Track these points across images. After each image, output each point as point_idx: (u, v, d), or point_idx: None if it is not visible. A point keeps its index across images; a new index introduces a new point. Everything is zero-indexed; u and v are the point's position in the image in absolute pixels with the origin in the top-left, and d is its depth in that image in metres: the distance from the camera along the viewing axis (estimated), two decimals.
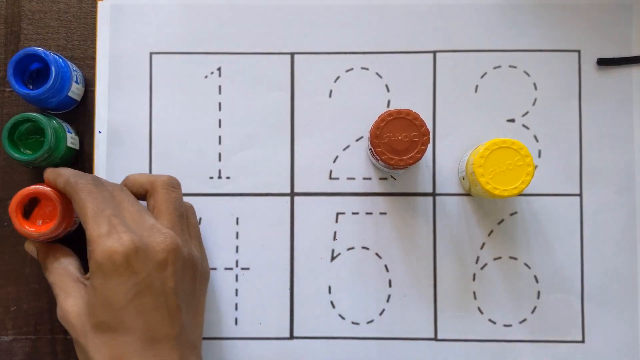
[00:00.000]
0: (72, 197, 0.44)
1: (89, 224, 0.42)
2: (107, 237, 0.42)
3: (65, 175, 0.45)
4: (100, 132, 0.53)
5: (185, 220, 0.48)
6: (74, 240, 0.52)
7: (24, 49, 0.48)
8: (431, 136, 0.52)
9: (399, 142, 0.46)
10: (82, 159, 0.53)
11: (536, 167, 0.52)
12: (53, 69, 0.48)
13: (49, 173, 0.47)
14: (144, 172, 0.53)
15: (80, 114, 0.53)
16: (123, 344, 0.42)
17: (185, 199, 0.52)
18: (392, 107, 0.53)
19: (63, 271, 0.47)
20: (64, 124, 0.51)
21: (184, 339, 0.43)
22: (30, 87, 0.50)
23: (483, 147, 0.47)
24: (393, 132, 0.46)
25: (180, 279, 0.44)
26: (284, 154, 0.53)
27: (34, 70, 0.51)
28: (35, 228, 0.47)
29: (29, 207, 0.48)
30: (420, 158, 0.46)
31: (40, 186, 0.47)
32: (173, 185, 0.47)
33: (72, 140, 0.51)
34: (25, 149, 0.49)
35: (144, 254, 0.42)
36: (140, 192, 0.48)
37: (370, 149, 0.48)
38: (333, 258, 0.52)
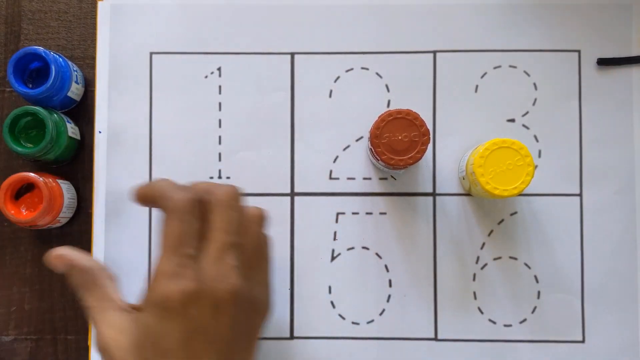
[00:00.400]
0: (162, 214, 0.41)
1: (162, 256, 0.40)
2: (170, 277, 0.39)
3: (162, 188, 0.42)
4: (100, 132, 0.53)
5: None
6: (66, 234, 0.52)
7: (24, 47, 0.48)
8: (431, 136, 0.52)
9: (399, 142, 0.46)
10: (82, 154, 0.53)
11: (536, 167, 0.52)
12: (53, 68, 0.48)
13: (147, 188, 0.43)
14: (144, 172, 0.52)
15: (81, 113, 0.53)
16: None
17: None
18: (392, 107, 0.53)
19: (104, 296, 0.43)
20: (64, 116, 0.51)
21: None
22: (30, 86, 0.50)
23: (483, 147, 0.47)
24: (393, 132, 0.46)
25: (236, 324, 0.41)
26: (284, 154, 0.53)
27: (34, 70, 0.51)
28: (15, 212, 0.48)
29: (24, 193, 0.49)
30: (420, 158, 0.46)
31: (36, 175, 0.48)
32: (236, 200, 0.43)
33: (72, 130, 0.51)
34: (26, 142, 0.49)
35: (203, 301, 0.40)
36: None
37: (370, 148, 0.48)
38: (333, 258, 0.52)
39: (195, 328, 0.40)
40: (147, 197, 0.43)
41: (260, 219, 0.44)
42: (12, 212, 0.48)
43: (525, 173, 0.46)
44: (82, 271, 0.44)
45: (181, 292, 0.39)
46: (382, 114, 0.47)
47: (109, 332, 0.42)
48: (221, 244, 0.41)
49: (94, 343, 0.42)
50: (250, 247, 0.43)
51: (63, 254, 0.44)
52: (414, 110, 0.46)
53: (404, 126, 0.46)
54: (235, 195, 0.42)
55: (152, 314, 0.40)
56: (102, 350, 0.42)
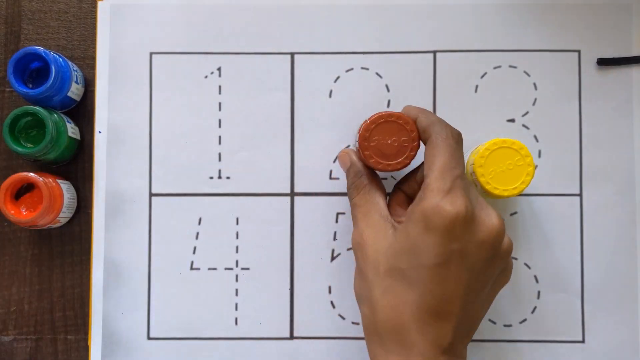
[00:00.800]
0: (430, 140, 0.44)
1: (434, 173, 0.42)
2: (445, 194, 0.41)
3: (434, 120, 0.44)
4: (100, 132, 0.53)
5: None
6: (66, 234, 0.52)
7: (24, 47, 0.48)
8: None
9: (388, 146, 0.45)
10: (82, 154, 0.53)
11: (536, 167, 0.52)
12: (53, 68, 0.48)
13: (412, 108, 0.46)
14: (144, 171, 0.53)
15: (81, 113, 0.53)
16: (407, 299, 0.41)
17: (186, 198, 0.53)
18: (393, 107, 0.53)
19: (372, 199, 0.46)
20: (64, 116, 0.51)
21: (463, 324, 0.42)
22: (30, 86, 0.50)
23: (483, 147, 0.47)
24: (383, 135, 0.45)
25: (489, 266, 0.42)
26: (284, 154, 0.53)
27: (34, 70, 0.51)
28: (15, 212, 0.48)
29: (24, 193, 0.49)
30: (408, 164, 0.46)
31: (36, 175, 0.47)
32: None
33: (72, 130, 0.51)
34: (26, 142, 0.49)
35: (471, 227, 0.41)
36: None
37: (358, 150, 0.47)
38: (333, 258, 0.52)
39: (455, 251, 0.41)
40: (413, 115, 0.46)
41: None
42: (12, 212, 0.48)
43: (526, 173, 0.46)
44: (358, 172, 0.47)
45: (455, 210, 0.40)
46: (373, 116, 0.46)
47: (368, 231, 0.44)
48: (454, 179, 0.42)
49: (353, 239, 0.45)
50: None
51: (349, 153, 0.48)
52: (405, 115, 0.46)
53: (394, 130, 0.45)
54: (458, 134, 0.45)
55: (417, 223, 0.41)
56: (357, 245, 0.45)
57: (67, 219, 0.52)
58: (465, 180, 0.42)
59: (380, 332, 0.42)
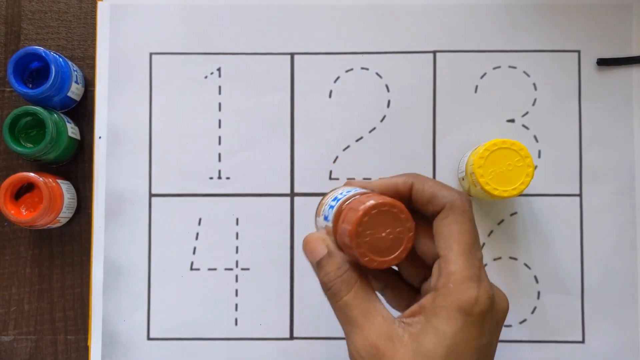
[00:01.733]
0: (445, 212, 0.37)
1: (460, 259, 0.36)
2: (476, 283, 0.35)
3: (436, 186, 0.38)
4: (100, 137, 0.53)
5: None
6: (66, 234, 0.52)
7: (24, 47, 0.48)
8: (431, 136, 0.52)
9: (381, 239, 0.37)
10: (82, 153, 0.53)
11: (536, 167, 0.52)
12: (53, 67, 0.48)
13: (400, 178, 0.39)
14: (144, 172, 0.53)
15: (80, 113, 0.53)
16: None
17: (186, 199, 0.53)
18: (393, 107, 0.53)
19: (369, 296, 0.37)
20: (64, 116, 0.51)
21: None
22: (30, 86, 0.50)
23: (483, 147, 0.47)
24: (376, 228, 0.36)
25: (496, 341, 0.38)
26: (284, 154, 0.53)
27: (34, 70, 0.51)
28: (15, 212, 0.48)
29: (24, 193, 0.49)
30: (403, 257, 0.37)
31: (36, 175, 0.47)
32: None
33: (72, 130, 0.51)
34: (26, 142, 0.49)
35: (492, 313, 0.36)
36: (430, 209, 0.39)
37: (349, 246, 0.37)
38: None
39: (485, 344, 0.36)
40: (421, 194, 0.39)
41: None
42: (12, 212, 0.48)
43: (525, 174, 0.46)
44: (343, 264, 0.38)
45: (489, 298, 0.35)
46: (365, 208, 0.36)
47: (381, 339, 0.36)
48: (471, 268, 0.37)
49: (358, 348, 0.36)
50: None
51: (324, 239, 0.39)
52: (399, 202, 0.37)
53: (388, 221, 0.36)
54: (470, 205, 0.38)
55: (452, 320, 0.35)
56: (369, 356, 0.36)
57: (67, 219, 0.52)
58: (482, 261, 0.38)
59: None
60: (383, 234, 0.37)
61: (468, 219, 0.37)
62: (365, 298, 0.37)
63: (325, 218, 0.40)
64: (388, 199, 0.37)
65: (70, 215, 0.52)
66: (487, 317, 0.36)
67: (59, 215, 0.50)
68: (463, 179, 0.50)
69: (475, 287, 0.35)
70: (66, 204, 0.50)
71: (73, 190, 0.52)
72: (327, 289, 0.38)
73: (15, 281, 0.52)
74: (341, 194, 0.39)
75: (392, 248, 0.37)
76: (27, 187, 0.49)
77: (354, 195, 0.38)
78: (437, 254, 0.37)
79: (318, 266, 0.39)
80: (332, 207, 0.39)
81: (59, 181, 0.50)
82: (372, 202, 0.36)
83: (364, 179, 0.52)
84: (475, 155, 0.47)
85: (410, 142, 0.53)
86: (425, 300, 0.36)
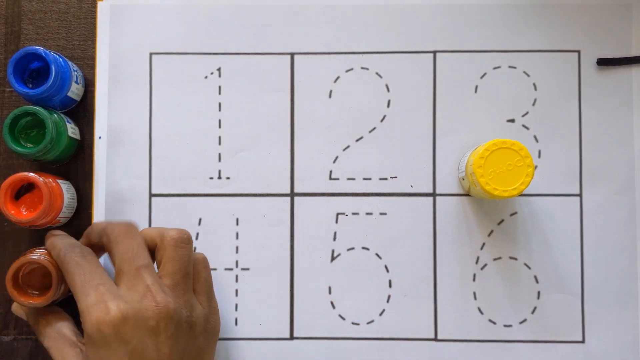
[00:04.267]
0: (63, 271, 0.44)
1: (78, 295, 0.42)
2: (94, 307, 0.41)
3: (57, 248, 0.45)
4: (100, 137, 0.53)
5: (192, 278, 0.46)
6: None
7: (25, 47, 0.48)
8: (431, 136, 0.52)
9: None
10: (82, 153, 0.53)
11: (536, 167, 0.52)
12: (53, 68, 0.48)
13: (47, 244, 0.47)
14: (144, 172, 0.53)
15: (80, 113, 0.53)
16: None
17: (186, 199, 0.53)
18: (393, 107, 0.53)
19: (58, 335, 0.45)
20: (64, 116, 0.51)
21: None
22: (30, 86, 0.50)
23: (483, 147, 0.47)
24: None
25: (176, 344, 0.42)
26: (284, 154, 0.53)
27: (34, 70, 0.51)
28: (15, 212, 0.48)
29: (24, 193, 0.49)
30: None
31: (35, 175, 0.48)
32: (182, 240, 0.46)
33: (72, 130, 0.51)
34: (26, 142, 0.49)
35: (134, 322, 0.41)
36: (151, 246, 0.46)
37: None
38: (333, 258, 0.52)
39: (132, 350, 0.41)
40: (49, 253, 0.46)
41: (187, 239, 0.46)
42: (13, 212, 0.48)
43: (525, 174, 0.46)
44: (34, 317, 0.47)
45: (107, 314, 0.40)
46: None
47: None
48: (129, 269, 0.43)
49: None
50: (171, 268, 0.45)
51: (16, 310, 0.48)
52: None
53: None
54: (130, 226, 0.45)
55: (90, 346, 0.41)
56: None
57: (67, 219, 0.52)
58: (107, 284, 0.43)
59: None
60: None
61: (74, 264, 0.44)
62: (57, 338, 0.46)
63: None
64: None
65: (70, 215, 0.52)
66: (120, 329, 0.41)
67: (59, 215, 0.50)
68: (463, 179, 0.50)
69: (93, 314, 0.41)
70: (66, 204, 0.50)
71: (73, 190, 0.52)
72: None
73: None
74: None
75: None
76: (27, 187, 0.49)
77: None
78: None
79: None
80: None
81: (59, 181, 0.50)
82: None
83: (364, 179, 0.52)
84: (475, 155, 0.47)
85: (410, 142, 0.53)
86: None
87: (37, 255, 0.47)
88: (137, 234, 0.45)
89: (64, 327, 0.46)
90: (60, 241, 0.46)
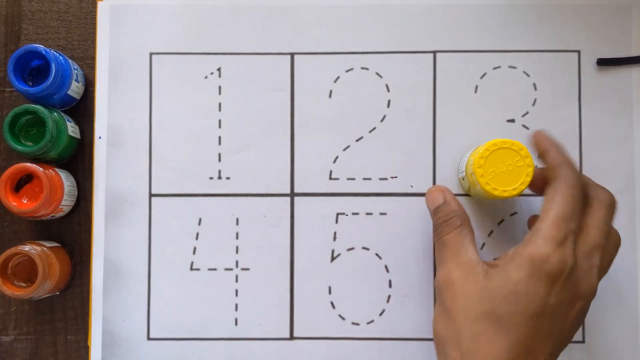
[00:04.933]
0: (555, 182, 0.43)
1: (550, 220, 0.41)
2: (556, 246, 0.40)
3: (563, 160, 0.44)
4: (100, 137, 0.53)
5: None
6: (66, 234, 0.52)
7: (25, 45, 0.49)
8: (431, 136, 0.52)
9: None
10: (82, 152, 0.53)
11: (536, 167, 0.52)
12: (53, 65, 0.48)
13: (544, 139, 0.45)
14: (144, 172, 0.53)
15: (80, 112, 0.53)
16: (499, 346, 0.40)
17: (186, 199, 0.53)
18: (393, 108, 0.53)
19: (464, 240, 0.45)
20: (64, 115, 0.51)
21: None
22: (30, 84, 0.50)
23: (483, 147, 0.47)
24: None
25: (576, 322, 0.42)
26: (284, 154, 0.53)
27: (34, 68, 0.51)
28: (18, 203, 0.48)
29: (24, 185, 0.49)
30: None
31: (34, 165, 0.48)
32: (614, 210, 0.44)
33: (72, 129, 0.51)
34: (26, 141, 0.49)
35: (570, 283, 0.41)
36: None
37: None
38: (333, 258, 0.52)
39: (553, 305, 0.40)
40: (543, 147, 0.45)
41: (617, 238, 0.45)
42: (14, 203, 0.48)
43: (525, 174, 0.46)
44: (452, 212, 0.46)
45: (562, 263, 0.40)
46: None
47: (458, 271, 0.43)
48: (594, 242, 0.42)
49: (440, 277, 0.44)
50: (608, 254, 0.44)
51: (443, 191, 0.48)
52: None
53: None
54: (615, 203, 0.44)
55: (520, 268, 0.40)
56: (445, 285, 0.43)
57: (69, 208, 0.52)
58: (577, 234, 0.42)
59: None
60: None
61: (570, 194, 0.42)
62: (460, 241, 0.45)
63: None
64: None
65: (72, 203, 0.52)
66: (559, 281, 0.40)
67: (61, 204, 0.50)
68: (463, 179, 0.50)
69: (552, 247, 0.40)
70: (67, 192, 0.50)
71: (72, 179, 0.52)
72: (435, 230, 0.47)
73: None
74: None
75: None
76: (27, 179, 0.49)
77: None
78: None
79: (434, 212, 0.48)
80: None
81: (58, 170, 0.50)
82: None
83: (364, 179, 0.52)
84: (475, 155, 0.47)
85: (410, 142, 0.53)
86: (513, 248, 0.42)
87: (29, 247, 0.47)
88: (614, 213, 0.44)
89: (471, 239, 0.45)
90: (566, 155, 0.44)
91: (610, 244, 0.44)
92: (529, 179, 0.46)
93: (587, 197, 0.44)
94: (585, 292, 0.41)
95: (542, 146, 0.45)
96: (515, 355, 0.40)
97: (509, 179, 0.46)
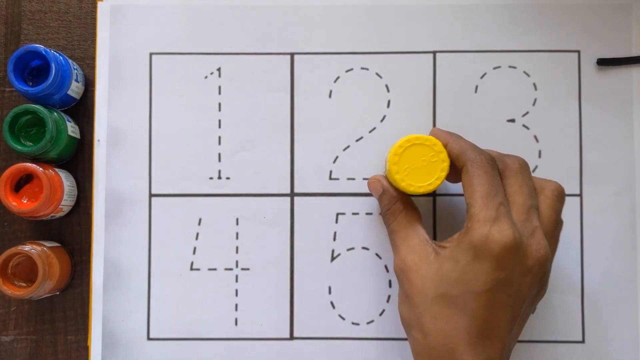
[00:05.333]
0: (466, 168, 0.44)
1: (478, 203, 0.42)
2: (492, 223, 0.42)
3: (465, 146, 0.45)
4: (99, 140, 0.52)
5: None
6: (66, 234, 0.52)
7: (25, 45, 0.49)
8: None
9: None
10: (82, 153, 0.53)
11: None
12: (53, 65, 0.48)
13: (449, 139, 0.46)
14: (144, 172, 0.53)
15: (80, 112, 0.53)
16: (458, 324, 0.42)
17: (186, 199, 0.53)
18: (393, 108, 0.53)
19: (410, 224, 0.47)
20: (64, 115, 0.51)
21: (509, 344, 0.44)
22: (30, 84, 0.50)
23: (397, 144, 0.47)
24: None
25: (534, 290, 0.44)
26: (283, 154, 0.53)
27: (34, 68, 0.51)
28: (18, 203, 0.48)
29: (23, 185, 0.49)
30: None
31: (34, 165, 0.48)
32: (563, 196, 0.46)
33: (72, 129, 0.51)
34: (26, 141, 0.49)
35: (516, 254, 0.42)
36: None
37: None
38: (333, 258, 0.52)
39: (503, 278, 0.42)
40: (443, 141, 0.46)
41: (554, 191, 0.46)
42: (14, 203, 0.48)
43: (440, 169, 0.46)
44: (393, 198, 0.48)
45: (503, 240, 0.41)
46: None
47: (411, 256, 0.45)
48: (524, 205, 0.44)
49: (396, 265, 0.46)
50: (548, 207, 0.45)
51: (380, 179, 0.49)
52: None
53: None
54: (524, 163, 0.46)
55: (466, 253, 0.42)
56: (401, 272, 0.45)
57: (69, 207, 0.52)
58: (506, 205, 0.43)
59: (433, 356, 0.43)
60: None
61: (483, 172, 0.43)
62: (407, 225, 0.46)
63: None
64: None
65: (72, 203, 0.52)
66: (505, 255, 0.41)
67: (61, 204, 0.50)
68: (386, 177, 0.50)
69: (488, 227, 0.41)
70: (67, 192, 0.50)
71: (72, 179, 0.52)
72: (383, 219, 0.49)
73: None
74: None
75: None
76: (27, 179, 0.49)
77: None
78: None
79: (379, 202, 0.49)
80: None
81: (57, 170, 0.50)
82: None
83: (364, 179, 0.52)
84: (390, 152, 0.47)
85: None
86: (458, 234, 0.44)
87: (29, 247, 0.47)
88: (530, 173, 0.46)
89: (418, 221, 0.47)
90: (466, 141, 0.46)
91: (545, 196, 0.46)
92: (444, 174, 0.46)
93: (501, 169, 0.45)
94: (535, 255, 0.42)
95: (442, 140, 0.46)
96: (474, 330, 0.42)
97: (424, 175, 0.46)
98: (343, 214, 0.53)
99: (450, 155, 0.46)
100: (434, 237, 0.52)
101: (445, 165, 0.46)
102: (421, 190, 0.46)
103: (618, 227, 0.52)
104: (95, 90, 0.53)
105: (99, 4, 0.53)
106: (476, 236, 0.42)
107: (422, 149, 0.46)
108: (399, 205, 0.47)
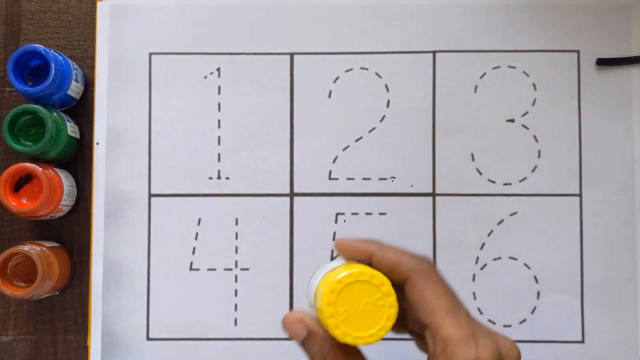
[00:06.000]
0: (412, 283, 0.36)
1: (447, 321, 0.35)
2: (470, 343, 0.34)
3: (395, 255, 0.37)
4: (98, 143, 0.52)
5: None
6: (66, 234, 0.52)
7: (24, 45, 0.49)
8: (431, 136, 0.52)
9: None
10: (82, 152, 0.53)
11: (536, 167, 0.52)
12: (53, 65, 0.48)
13: (356, 244, 0.38)
14: (143, 172, 0.53)
15: (80, 112, 0.53)
16: None
17: (185, 199, 0.53)
18: (392, 108, 0.53)
19: None
20: (64, 115, 0.51)
21: None
22: (30, 84, 0.50)
23: (336, 279, 0.35)
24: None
25: None
26: (283, 154, 0.53)
27: (34, 68, 0.51)
28: (17, 203, 0.48)
29: (23, 185, 0.49)
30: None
31: (34, 165, 0.48)
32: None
33: (72, 129, 0.51)
34: (25, 141, 0.49)
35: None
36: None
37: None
38: (333, 258, 0.52)
39: None
40: (364, 253, 0.38)
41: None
42: (14, 203, 0.48)
43: (386, 317, 0.35)
44: (324, 344, 0.37)
45: (492, 352, 0.34)
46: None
47: None
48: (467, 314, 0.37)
49: None
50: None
51: (303, 318, 0.37)
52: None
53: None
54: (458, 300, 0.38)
55: None
56: None
57: (69, 207, 0.52)
58: (470, 313, 0.37)
59: None
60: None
61: (437, 282, 0.36)
62: None
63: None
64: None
65: (72, 203, 0.52)
66: None
67: (61, 204, 0.50)
68: (312, 307, 0.39)
69: (474, 347, 0.34)
70: (66, 192, 0.50)
71: (72, 179, 0.52)
72: None
73: None
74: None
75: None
76: (26, 179, 0.49)
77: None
78: (421, 321, 0.36)
79: (302, 347, 0.37)
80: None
81: (57, 170, 0.50)
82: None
83: (364, 179, 0.52)
84: (325, 286, 0.36)
85: (410, 142, 0.53)
86: None
87: (29, 247, 0.47)
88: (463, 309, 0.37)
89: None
90: (392, 248, 0.38)
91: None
92: (390, 323, 0.35)
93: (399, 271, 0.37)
94: (513, 355, 0.36)
95: (362, 255, 0.38)
96: None
97: (365, 322, 0.35)
98: (342, 214, 0.52)
99: (381, 271, 0.36)
100: (434, 238, 0.52)
101: (393, 312, 0.35)
102: (360, 342, 0.35)
103: (618, 227, 0.52)
104: (94, 90, 0.53)
105: (99, 4, 0.53)
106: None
107: (366, 289, 0.35)
108: (335, 350, 0.36)
